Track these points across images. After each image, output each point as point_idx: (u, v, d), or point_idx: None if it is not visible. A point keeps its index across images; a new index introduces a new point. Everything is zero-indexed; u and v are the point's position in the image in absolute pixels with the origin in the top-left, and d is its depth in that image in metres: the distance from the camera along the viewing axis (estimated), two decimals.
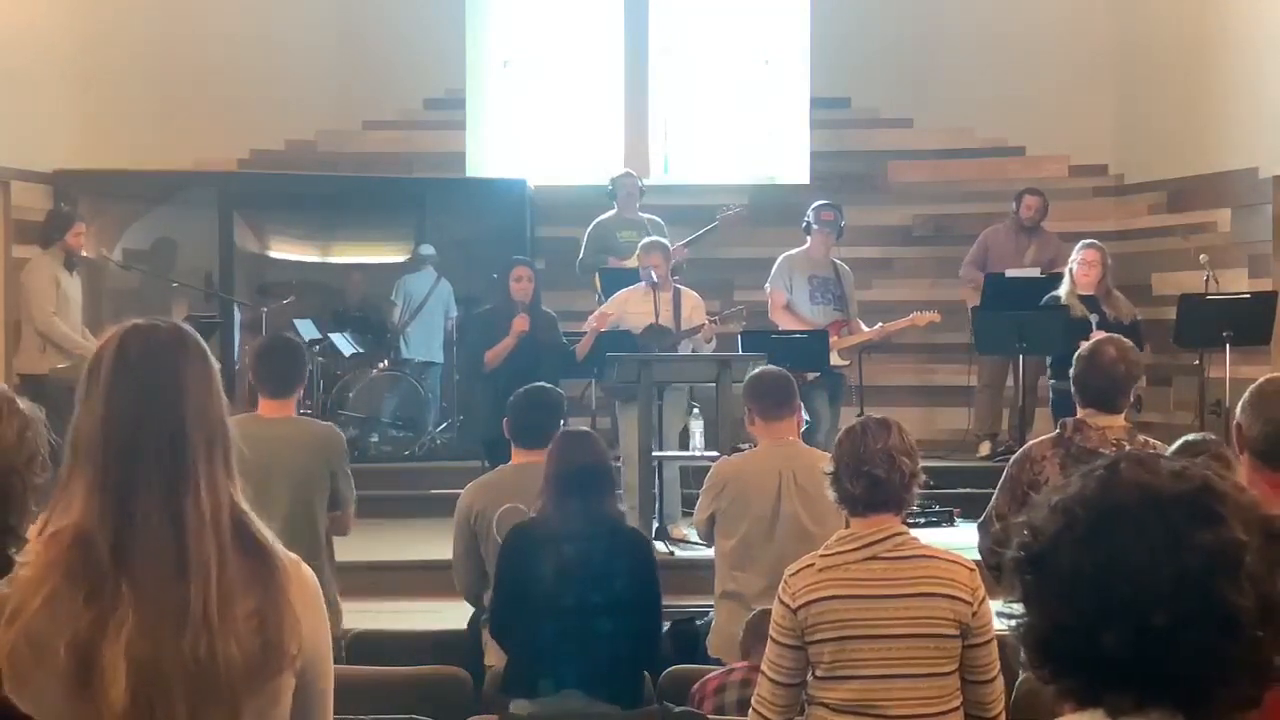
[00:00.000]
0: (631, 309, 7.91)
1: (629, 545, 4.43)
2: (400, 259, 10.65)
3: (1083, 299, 7.75)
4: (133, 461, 1.91)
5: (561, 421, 5.06)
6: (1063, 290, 7.87)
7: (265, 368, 5.07)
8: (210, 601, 1.88)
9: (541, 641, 4.23)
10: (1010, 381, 9.29)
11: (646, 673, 4.64)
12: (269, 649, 1.91)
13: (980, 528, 4.38)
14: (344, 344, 9.82)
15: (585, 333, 8.00)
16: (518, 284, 7.47)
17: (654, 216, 9.19)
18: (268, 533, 2.00)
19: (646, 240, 8.28)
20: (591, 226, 9.20)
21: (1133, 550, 1.38)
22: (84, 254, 8.24)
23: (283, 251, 10.78)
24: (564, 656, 4.20)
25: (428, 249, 10.28)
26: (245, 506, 1.98)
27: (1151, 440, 4.36)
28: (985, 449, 9.33)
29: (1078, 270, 7.81)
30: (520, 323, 7.35)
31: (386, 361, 9.91)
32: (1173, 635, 1.36)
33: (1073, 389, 4.31)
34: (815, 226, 8.65)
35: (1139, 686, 1.39)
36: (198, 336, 2.04)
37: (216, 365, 2.06)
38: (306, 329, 9.45)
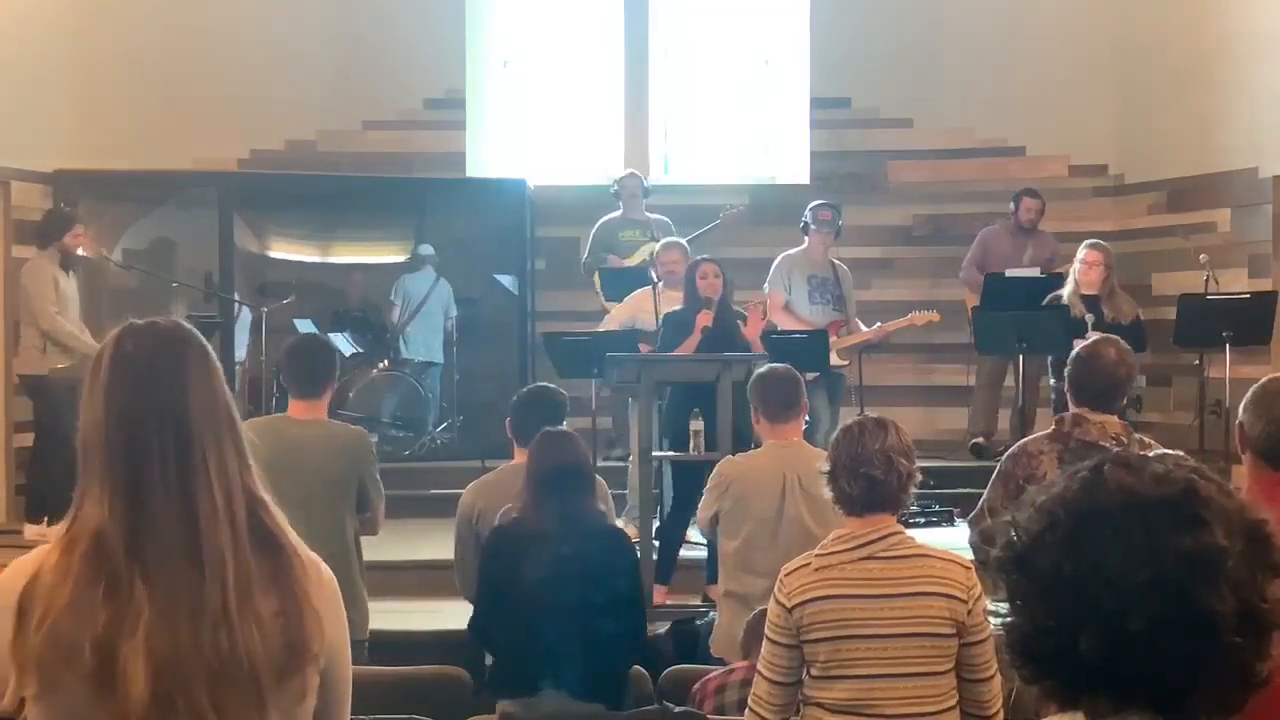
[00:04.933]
0: (646, 308, 7.91)
1: (609, 545, 4.43)
2: (400, 259, 10.66)
3: (1084, 299, 7.76)
4: (140, 457, 1.92)
5: (564, 422, 5.05)
6: (1066, 290, 7.88)
7: (294, 368, 5.05)
8: (228, 594, 1.89)
9: (523, 641, 4.23)
10: (1010, 381, 9.29)
11: (646, 672, 4.65)
12: (293, 647, 1.92)
13: (971, 522, 4.39)
14: (344, 344, 9.82)
15: (583, 334, 8.03)
16: (703, 280, 7.25)
17: (661, 216, 9.20)
18: (287, 529, 2.00)
19: (666, 240, 8.32)
20: (596, 226, 9.22)
21: (1110, 554, 1.38)
22: (81, 254, 8.22)
23: (283, 251, 10.78)
24: (546, 656, 4.20)
25: (427, 249, 10.29)
26: (264, 495, 1.99)
27: (1147, 439, 4.37)
28: (978, 443, 9.33)
29: (1080, 270, 7.82)
30: (704, 317, 7.17)
31: (386, 361, 9.91)
32: (1149, 640, 1.36)
33: (1067, 388, 4.31)
34: (813, 226, 8.65)
35: (1116, 690, 1.39)
36: (198, 333, 2.05)
37: (218, 361, 2.07)
38: (306, 329, 9.45)
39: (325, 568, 2.04)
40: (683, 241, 8.29)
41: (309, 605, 1.95)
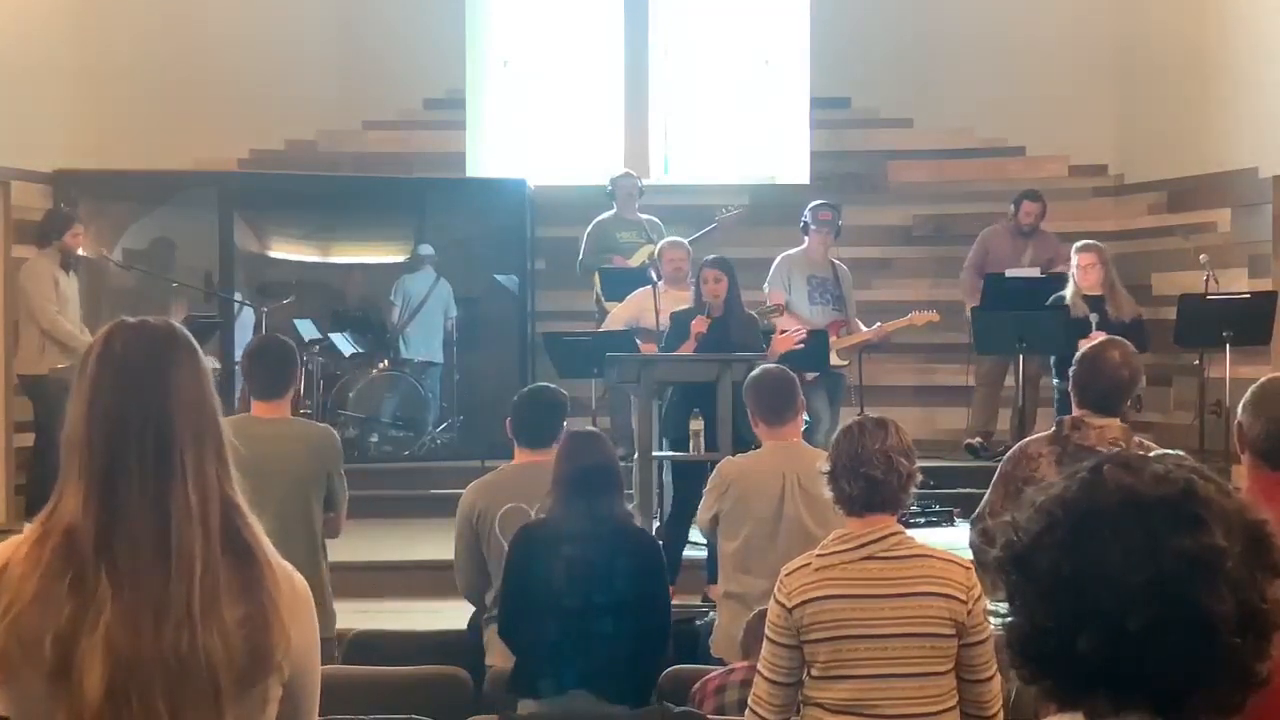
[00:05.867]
0: (648, 306, 7.92)
1: (637, 546, 4.42)
2: (400, 259, 10.66)
3: (1087, 299, 7.77)
4: (117, 453, 1.92)
5: (565, 421, 5.05)
6: (1067, 293, 7.90)
7: (255, 369, 5.07)
8: (193, 595, 1.88)
9: (549, 642, 4.22)
10: (1009, 381, 9.29)
11: None
12: (256, 654, 1.91)
13: (972, 523, 4.39)
14: (344, 344, 9.82)
15: (584, 334, 8.03)
16: (705, 285, 7.20)
17: (652, 217, 9.21)
18: (261, 536, 1.99)
19: (670, 239, 8.31)
20: (591, 226, 9.22)
21: (1109, 554, 1.38)
22: (80, 254, 8.24)
23: (283, 251, 10.79)
24: (571, 657, 4.19)
25: (427, 249, 10.29)
26: (240, 502, 1.98)
27: (1147, 442, 4.36)
28: (975, 442, 9.32)
29: (1078, 274, 7.84)
30: (698, 324, 7.13)
31: (386, 361, 9.91)
32: (1148, 641, 1.36)
33: (1071, 390, 4.30)
34: (813, 226, 8.66)
35: (1115, 690, 1.39)
36: (188, 334, 2.04)
37: (209, 363, 2.06)
38: (306, 329, 9.46)
39: (299, 578, 2.03)
40: (684, 240, 8.30)
41: (276, 615, 1.94)
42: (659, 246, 8.32)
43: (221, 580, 1.91)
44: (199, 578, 1.89)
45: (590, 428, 4.75)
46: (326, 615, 4.80)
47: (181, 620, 1.87)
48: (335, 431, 5.24)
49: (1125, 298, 7.93)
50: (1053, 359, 7.95)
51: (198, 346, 2.04)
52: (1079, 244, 8.05)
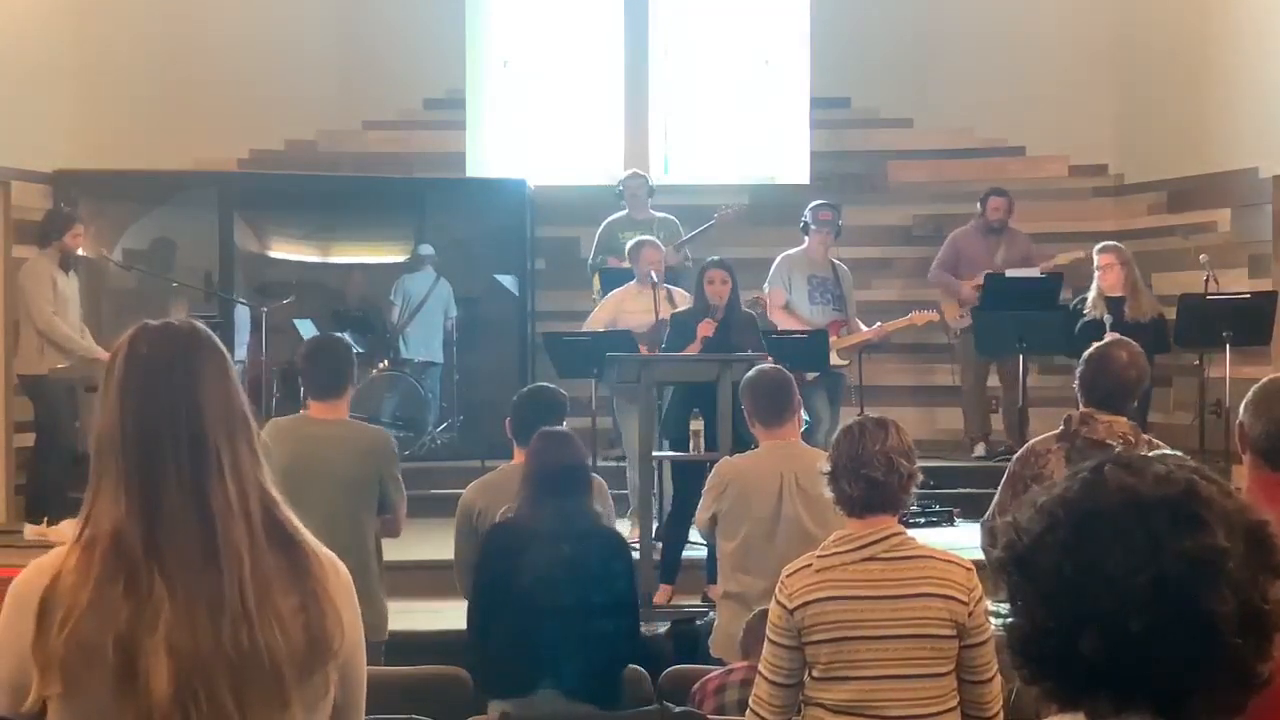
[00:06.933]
0: (628, 308, 7.92)
1: (604, 545, 4.43)
2: (400, 259, 10.66)
3: (1107, 300, 7.79)
4: (154, 455, 1.94)
5: (564, 421, 5.05)
6: (1090, 296, 7.92)
7: (314, 368, 5.07)
8: (246, 590, 1.90)
9: (518, 641, 4.23)
10: (993, 381, 9.31)
11: (646, 672, 4.65)
12: (314, 644, 1.94)
13: (983, 525, 4.39)
14: None
15: (584, 334, 8.03)
16: (710, 286, 7.15)
17: (668, 215, 9.15)
18: (299, 525, 2.01)
19: (637, 240, 8.27)
20: (601, 227, 9.20)
21: (1111, 555, 1.38)
22: (81, 254, 8.23)
23: (283, 251, 10.78)
24: (540, 656, 4.20)
25: (427, 249, 10.29)
26: (276, 495, 2.00)
27: (1155, 440, 4.36)
28: (980, 450, 9.32)
29: (1098, 276, 7.85)
30: (705, 327, 7.10)
31: (386, 361, 9.91)
32: (1149, 641, 1.35)
33: (1077, 388, 4.31)
34: (813, 226, 8.66)
35: (1117, 691, 1.39)
36: (211, 333, 2.06)
37: (232, 361, 2.08)
38: (306, 329, 9.45)
39: (341, 565, 2.06)
40: (652, 239, 8.27)
41: (329, 600, 1.97)
42: (628, 246, 8.27)
43: (270, 571, 1.93)
44: (249, 572, 1.91)
45: (560, 427, 4.74)
46: (377, 616, 4.81)
47: (238, 616, 1.89)
48: (389, 434, 5.24)
49: (1147, 297, 7.94)
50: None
51: (221, 344, 2.06)
52: (1099, 245, 8.08)
